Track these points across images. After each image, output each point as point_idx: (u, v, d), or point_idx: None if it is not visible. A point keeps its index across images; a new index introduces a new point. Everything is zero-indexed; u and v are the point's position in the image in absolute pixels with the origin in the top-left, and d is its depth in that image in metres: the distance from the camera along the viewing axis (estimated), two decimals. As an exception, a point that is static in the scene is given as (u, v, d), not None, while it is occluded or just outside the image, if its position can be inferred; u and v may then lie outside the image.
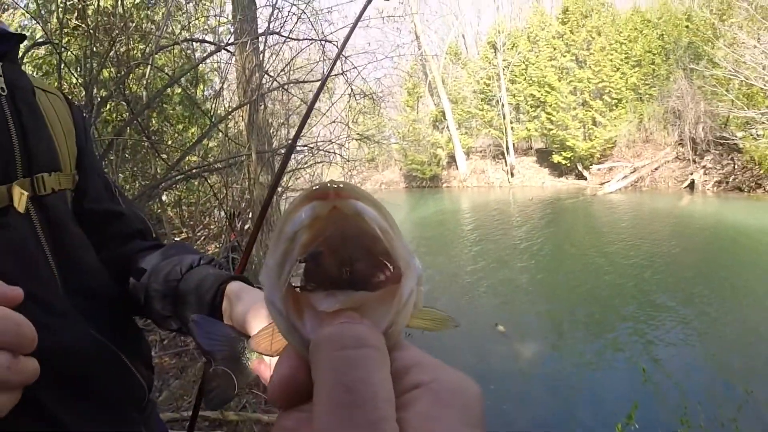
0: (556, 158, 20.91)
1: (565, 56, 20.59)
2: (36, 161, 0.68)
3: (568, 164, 20.76)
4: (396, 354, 0.18)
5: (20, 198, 0.64)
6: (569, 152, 20.23)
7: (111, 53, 4.14)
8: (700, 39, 17.52)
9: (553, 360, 4.89)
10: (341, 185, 0.20)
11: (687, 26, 19.30)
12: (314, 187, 0.20)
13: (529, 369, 4.69)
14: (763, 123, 14.58)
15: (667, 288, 6.65)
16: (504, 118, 22.65)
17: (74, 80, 4.25)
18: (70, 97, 0.85)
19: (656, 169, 18.55)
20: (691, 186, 16.76)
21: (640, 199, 15.94)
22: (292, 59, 5.64)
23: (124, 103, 4.52)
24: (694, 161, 17.39)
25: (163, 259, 0.77)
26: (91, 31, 4.11)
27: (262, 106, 5.39)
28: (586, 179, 20.24)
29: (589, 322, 5.79)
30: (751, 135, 15.25)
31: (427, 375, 0.17)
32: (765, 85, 14.18)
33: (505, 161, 23.07)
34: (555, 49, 20.90)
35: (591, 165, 20.27)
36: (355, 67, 5.48)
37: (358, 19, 0.97)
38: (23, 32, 0.75)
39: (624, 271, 7.48)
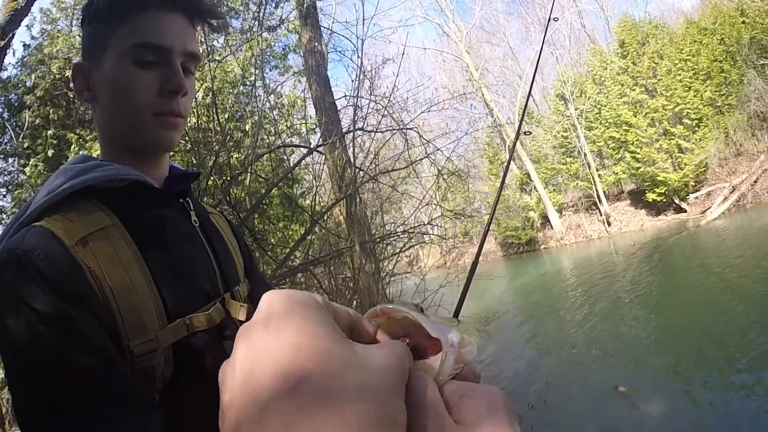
0: (650, 196, 19.61)
1: (634, 90, 19.87)
2: (230, 278, 0.80)
3: (664, 199, 19.35)
4: (447, 386, 0.29)
5: (239, 309, 0.77)
6: (662, 187, 18.95)
7: (214, 165, 4.57)
8: (761, 31, 16.35)
9: (684, 415, 4.28)
10: (389, 306, 0.32)
11: (743, 21, 18.19)
12: (372, 310, 0.33)
13: (660, 429, 4.19)
14: None
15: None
16: (589, 167, 21.84)
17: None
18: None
19: (755, 182, 16.82)
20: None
21: (747, 218, 14.35)
22: (377, 150, 6.00)
23: (228, 208, 4.96)
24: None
25: None
26: (192, 146, 4.64)
27: (358, 199, 5.75)
28: (685, 211, 18.70)
29: (716, 368, 5.08)
30: None
31: (467, 389, 0.28)
32: None
33: (599, 211, 21.91)
34: (623, 85, 20.26)
35: (687, 195, 18.80)
36: (438, 149, 5.75)
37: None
38: None
39: (745, 303, 6.58)
